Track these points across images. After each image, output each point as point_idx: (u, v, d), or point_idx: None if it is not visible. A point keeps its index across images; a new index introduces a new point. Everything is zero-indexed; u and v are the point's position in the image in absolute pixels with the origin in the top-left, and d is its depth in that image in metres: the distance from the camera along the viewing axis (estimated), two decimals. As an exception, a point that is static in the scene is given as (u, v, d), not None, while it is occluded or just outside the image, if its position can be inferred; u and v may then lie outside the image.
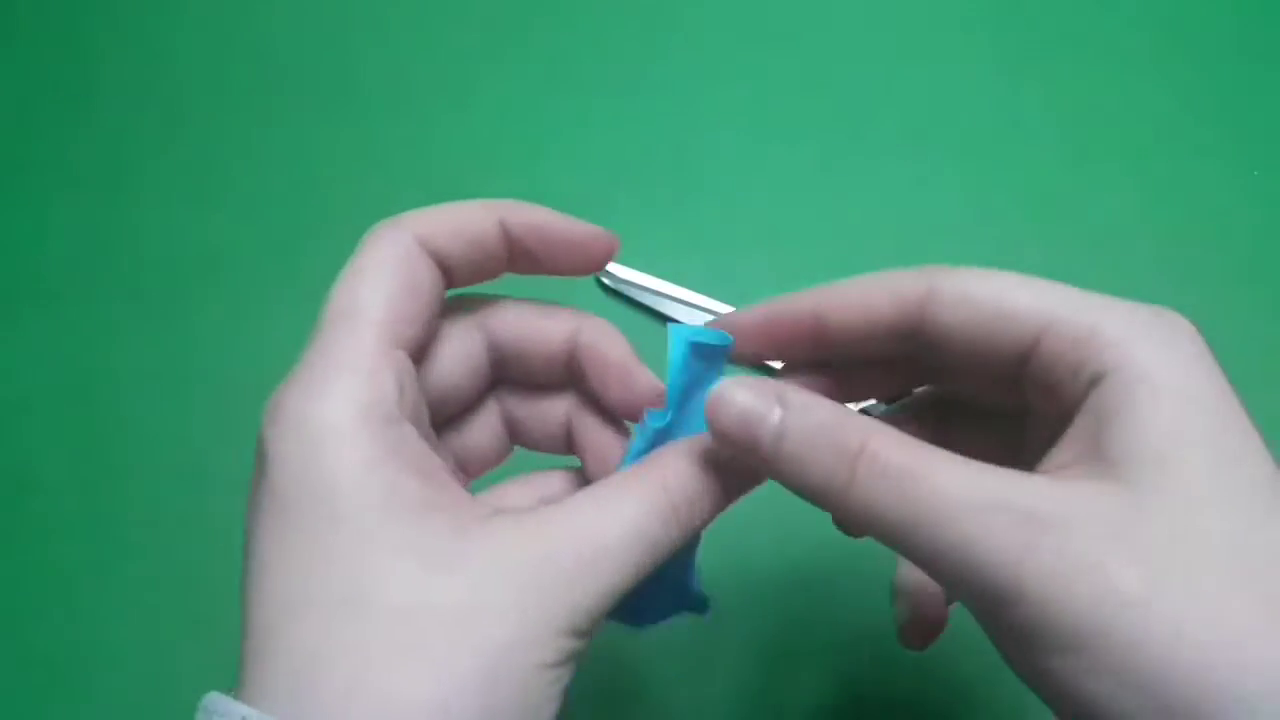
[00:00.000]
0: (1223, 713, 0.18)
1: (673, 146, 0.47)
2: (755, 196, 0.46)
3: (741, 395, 0.21)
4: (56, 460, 0.41)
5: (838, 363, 0.26)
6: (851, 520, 0.21)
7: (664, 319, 0.43)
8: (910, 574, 0.29)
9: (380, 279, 0.22)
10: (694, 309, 0.42)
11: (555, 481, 0.28)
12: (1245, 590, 0.18)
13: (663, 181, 0.46)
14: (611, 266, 0.43)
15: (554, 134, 0.48)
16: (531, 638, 0.19)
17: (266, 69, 0.50)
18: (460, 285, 0.25)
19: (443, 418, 0.25)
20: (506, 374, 0.27)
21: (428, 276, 0.23)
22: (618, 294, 0.43)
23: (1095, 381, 0.21)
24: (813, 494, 0.21)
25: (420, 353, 0.24)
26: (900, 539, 0.20)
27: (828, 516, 0.23)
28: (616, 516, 0.21)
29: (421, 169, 0.47)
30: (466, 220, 0.24)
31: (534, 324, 0.25)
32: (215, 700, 0.19)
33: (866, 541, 0.22)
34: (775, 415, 0.21)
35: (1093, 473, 0.20)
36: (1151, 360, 0.21)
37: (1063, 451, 0.22)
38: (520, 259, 0.25)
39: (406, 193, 0.47)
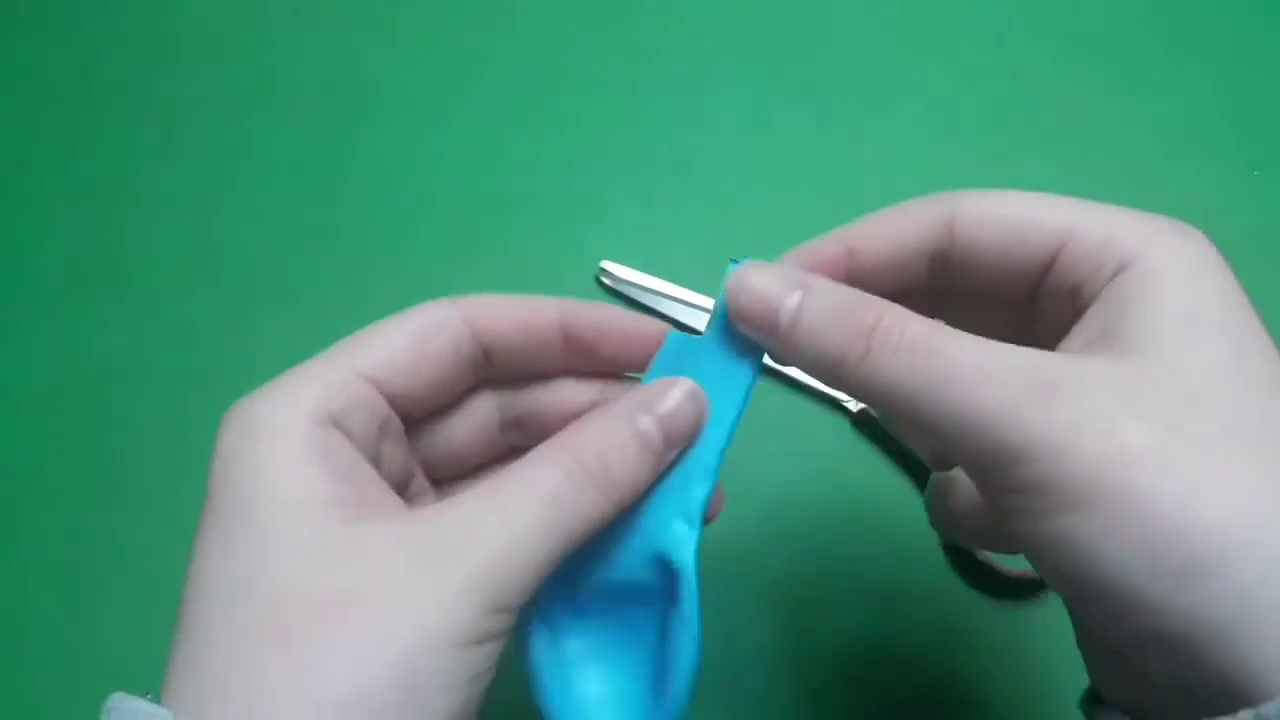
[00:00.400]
0: (1237, 571, 0.17)
1: (671, 145, 0.47)
2: (754, 195, 0.46)
3: (760, 277, 0.22)
4: (55, 459, 0.41)
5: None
6: (864, 391, 0.21)
7: (663, 319, 0.43)
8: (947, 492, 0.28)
9: (393, 334, 0.23)
10: (693, 308, 0.42)
11: None
12: (1258, 453, 0.19)
13: (663, 181, 0.46)
14: (610, 265, 0.43)
15: (552, 133, 0.48)
16: (436, 620, 0.19)
17: (266, 69, 0.50)
18: (508, 371, 0.26)
19: (423, 412, 0.25)
20: (497, 371, 0.26)
21: (450, 348, 0.24)
22: (617, 293, 0.43)
23: (1111, 277, 0.22)
24: (827, 368, 0.22)
25: (415, 408, 0.24)
26: (911, 405, 0.20)
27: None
28: (519, 486, 0.21)
29: (420, 169, 0.47)
30: (528, 312, 0.25)
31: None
32: (118, 699, 0.19)
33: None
34: (795, 297, 0.22)
35: (1106, 351, 0.21)
36: (1166, 257, 0.22)
37: (1074, 339, 0.22)
38: (578, 353, 0.26)
39: (406, 192, 0.47)
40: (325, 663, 0.18)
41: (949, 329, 0.21)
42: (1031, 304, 0.24)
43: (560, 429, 0.26)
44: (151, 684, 0.38)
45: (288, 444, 0.21)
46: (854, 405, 0.41)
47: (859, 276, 0.25)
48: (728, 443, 0.24)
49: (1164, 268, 0.21)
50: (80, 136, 0.48)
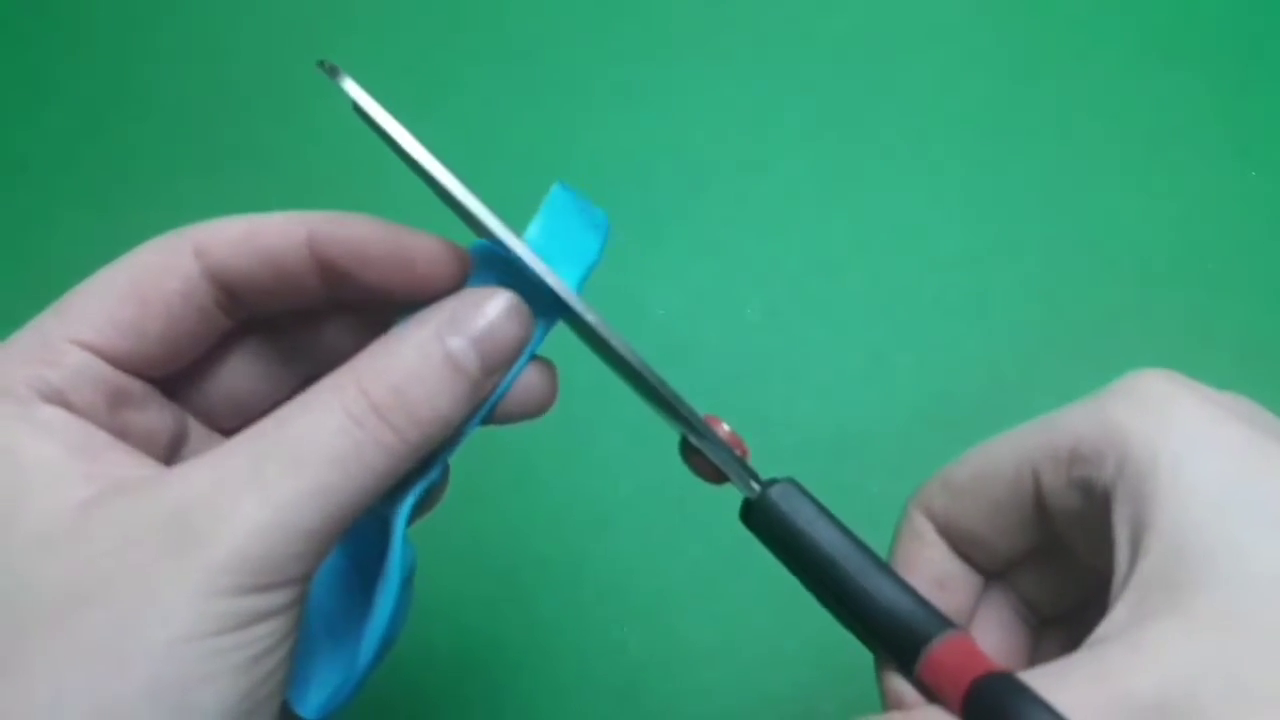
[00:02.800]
0: None
1: (671, 151, 0.47)
2: (753, 193, 0.46)
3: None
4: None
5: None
6: None
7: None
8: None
9: (107, 288, 0.20)
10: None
11: None
12: None
13: (662, 182, 0.47)
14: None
15: (548, 140, 0.48)
16: (186, 612, 0.16)
17: (265, 70, 0.50)
18: (259, 309, 0.21)
19: (170, 369, 0.21)
20: (253, 310, 0.22)
21: (178, 295, 0.20)
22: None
23: (1105, 504, 0.18)
24: None
25: (156, 367, 0.20)
26: None
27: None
28: (287, 440, 0.17)
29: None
30: (262, 234, 0.20)
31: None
32: None
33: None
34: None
35: (1164, 607, 0.16)
36: (1146, 455, 0.18)
37: (1126, 592, 0.18)
38: (341, 284, 0.21)
39: (406, 192, 0.47)
40: (60, 679, 0.15)
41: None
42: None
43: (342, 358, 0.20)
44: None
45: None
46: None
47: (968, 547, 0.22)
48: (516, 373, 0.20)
49: (1155, 475, 0.18)
50: (81, 138, 0.48)
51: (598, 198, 0.23)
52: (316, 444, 0.17)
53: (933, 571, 0.22)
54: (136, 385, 0.20)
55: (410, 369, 0.18)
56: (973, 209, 0.45)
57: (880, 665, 0.21)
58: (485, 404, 0.20)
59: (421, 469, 0.20)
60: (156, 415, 0.21)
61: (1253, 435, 0.18)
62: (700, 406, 0.22)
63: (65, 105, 0.49)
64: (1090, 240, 0.44)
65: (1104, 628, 0.17)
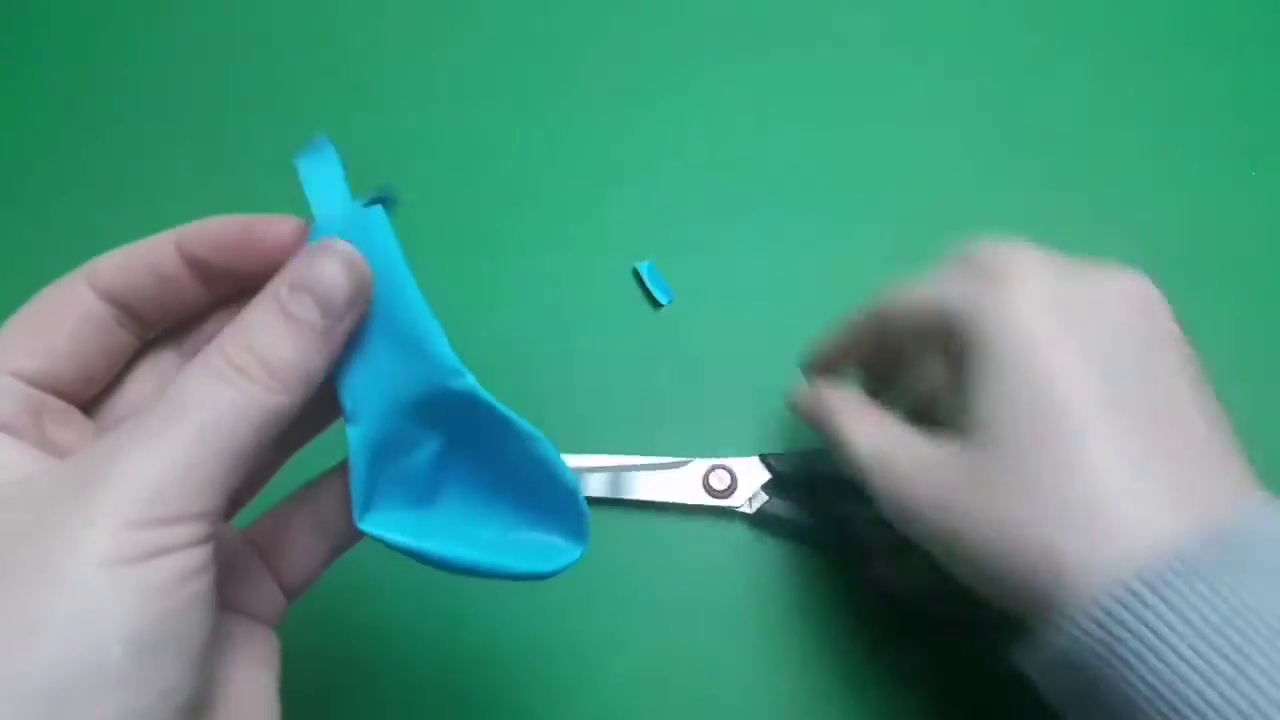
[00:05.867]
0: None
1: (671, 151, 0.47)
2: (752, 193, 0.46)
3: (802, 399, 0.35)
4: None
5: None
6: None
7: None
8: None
9: (15, 323, 0.23)
10: None
11: None
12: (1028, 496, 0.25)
13: (658, 185, 0.47)
14: None
15: (546, 145, 0.48)
16: (89, 541, 0.18)
17: (265, 71, 0.50)
18: (157, 319, 0.24)
19: (91, 387, 0.24)
20: (154, 325, 0.25)
21: (79, 319, 0.23)
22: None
23: (959, 357, 0.28)
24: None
25: (76, 387, 0.23)
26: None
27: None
28: (168, 402, 0.20)
29: (419, 170, 0.47)
30: (140, 254, 0.24)
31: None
32: None
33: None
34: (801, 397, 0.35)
35: (951, 434, 0.28)
36: (981, 338, 0.27)
37: (950, 409, 0.28)
38: (213, 278, 0.24)
39: (406, 194, 0.47)
40: None
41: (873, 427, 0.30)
42: None
43: None
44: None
45: None
46: (749, 508, 0.38)
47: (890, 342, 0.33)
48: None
49: (982, 351, 0.27)
50: (81, 138, 0.48)
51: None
52: (190, 398, 0.20)
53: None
54: (57, 404, 0.23)
55: (257, 325, 0.21)
56: (969, 210, 0.45)
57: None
58: (342, 339, 0.22)
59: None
60: (77, 431, 0.23)
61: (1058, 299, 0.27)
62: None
63: (61, 106, 0.49)
64: (1090, 240, 0.44)
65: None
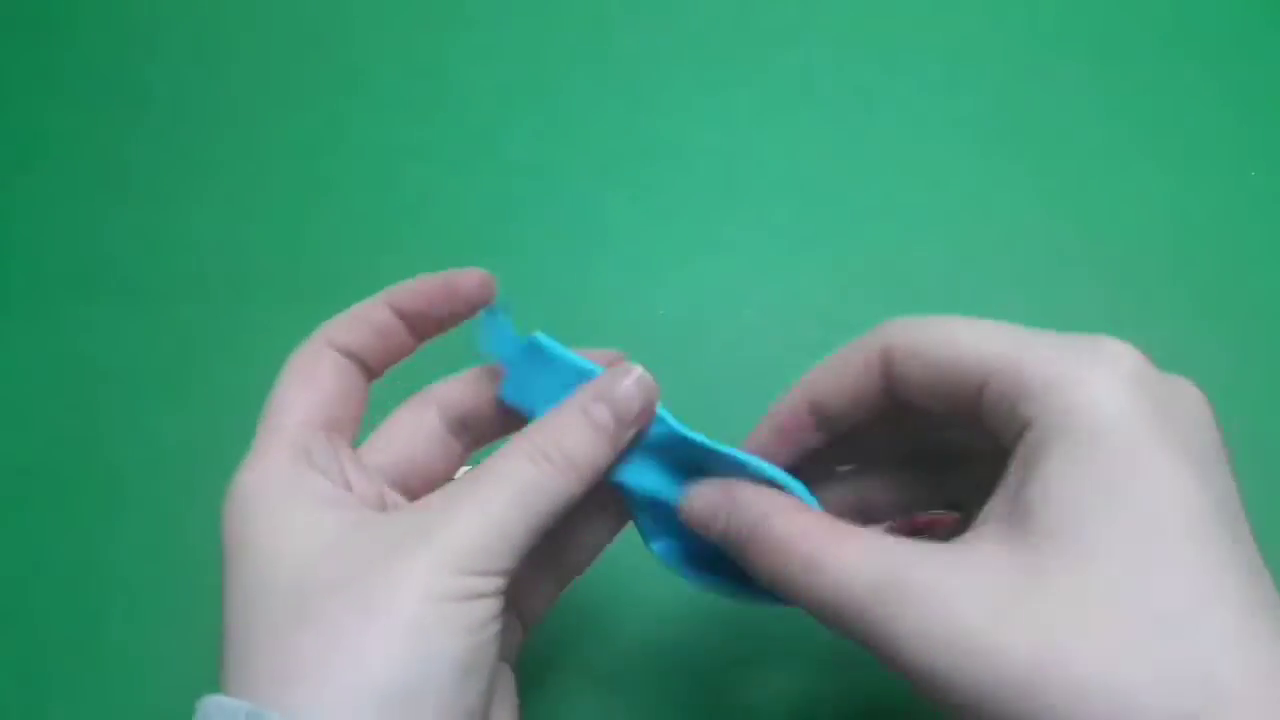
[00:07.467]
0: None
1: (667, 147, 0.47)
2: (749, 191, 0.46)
3: (700, 501, 0.27)
4: (55, 459, 0.41)
5: (856, 435, 0.28)
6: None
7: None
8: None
9: (292, 387, 0.27)
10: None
11: None
12: (1136, 647, 0.19)
13: (661, 185, 0.47)
14: None
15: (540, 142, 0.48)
16: (428, 581, 0.22)
17: (264, 71, 0.50)
18: (382, 366, 0.29)
19: (417, 481, 0.29)
20: (379, 371, 0.29)
21: (332, 372, 0.27)
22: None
23: (1021, 432, 0.21)
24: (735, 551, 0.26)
25: (344, 424, 0.28)
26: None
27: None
28: (490, 474, 0.24)
29: (419, 169, 0.47)
30: (366, 315, 0.28)
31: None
32: (209, 702, 0.21)
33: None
34: (721, 518, 0.26)
35: (1002, 533, 0.21)
36: (1070, 407, 0.21)
37: (994, 504, 0.22)
38: (421, 326, 0.28)
39: (406, 196, 0.47)
40: (343, 625, 0.21)
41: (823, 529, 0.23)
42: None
43: (475, 403, 0.29)
44: (150, 683, 0.38)
45: (276, 490, 0.25)
46: None
47: (830, 424, 0.27)
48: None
49: (1066, 424, 0.21)
50: (82, 138, 0.48)
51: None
52: (511, 473, 0.24)
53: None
54: (350, 451, 0.28)
55: (564, 426, 0.26)
56: (970, 210, 0.45)
57: None
58: (627, 444, 0.27)
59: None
60: (367, 478, 0.28)
61: (1148, 434, 0.21)
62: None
63: (66, 104, 0.49)
64: (1090, 240, 0.44)
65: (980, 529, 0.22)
